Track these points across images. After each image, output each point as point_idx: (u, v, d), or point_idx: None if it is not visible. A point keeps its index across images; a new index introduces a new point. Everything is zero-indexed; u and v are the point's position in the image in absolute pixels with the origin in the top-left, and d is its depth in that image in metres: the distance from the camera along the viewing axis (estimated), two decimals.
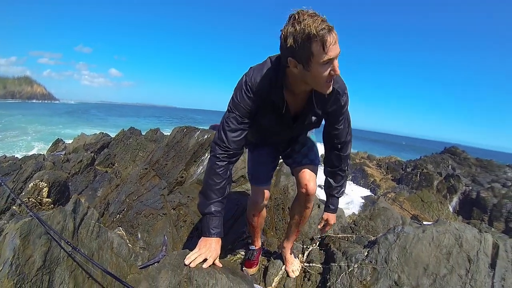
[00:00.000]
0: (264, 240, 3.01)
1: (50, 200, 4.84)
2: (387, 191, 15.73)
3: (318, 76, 1.54)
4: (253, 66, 1.82)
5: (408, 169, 19.66)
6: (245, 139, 1.86)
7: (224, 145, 1.79)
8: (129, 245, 3.10)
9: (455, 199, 14.89)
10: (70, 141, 14.51)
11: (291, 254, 2.57)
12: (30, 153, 13.92)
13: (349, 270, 2.27)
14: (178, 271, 1.56)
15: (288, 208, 3.63)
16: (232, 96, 1.80)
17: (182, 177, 4.14)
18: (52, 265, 2.26)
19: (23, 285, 1.93)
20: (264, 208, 2.42)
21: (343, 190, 2.28)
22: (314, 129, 2.25)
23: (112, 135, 13.70)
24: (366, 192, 17.31)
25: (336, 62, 1.51)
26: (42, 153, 11.79)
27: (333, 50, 1.45)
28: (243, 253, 2.70)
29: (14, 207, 4.09)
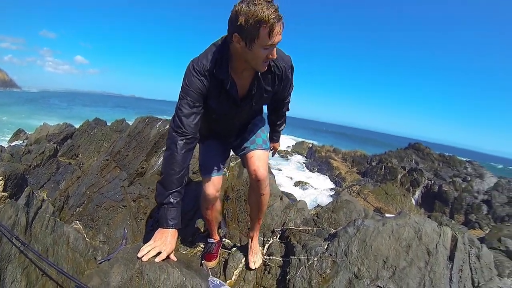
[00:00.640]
0: (226, 232, 2.99)
1: (6, 194, 4.64)
2: (352, 184, 16.13)
3: (257, 57, 1.66)
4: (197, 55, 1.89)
5: (373, 163, 20.22)
6: (199, 124, 1.88)
7: (182, 130, 1.80)
8: (87, 239, 3.00)
9: (418, 192, 15.45)
10: (32, 132, 14.02)
11: (256, 244, 2.55)
12: None
13: (309, 263, 2.28)
14: (130, 266, 1.52)
15: None
16: (182, 84, 1.84)
17: (143, 168, 4.06)
18: (2, 263, 2.16)
19: None
20: (218, 201, 2.41)
21: (283, 126, 2.59)
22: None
23: (76, 125, 13.31)
24: (331, 185, 17.67)
25: (273, 48, 1.65)
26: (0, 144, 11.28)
27: (277, 38, 1.58)
28: (203, 246, 2.66)
29: None
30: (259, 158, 2.19)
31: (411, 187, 15.79)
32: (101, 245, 3.11)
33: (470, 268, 2.23)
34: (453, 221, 11.79)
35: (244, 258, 2.55)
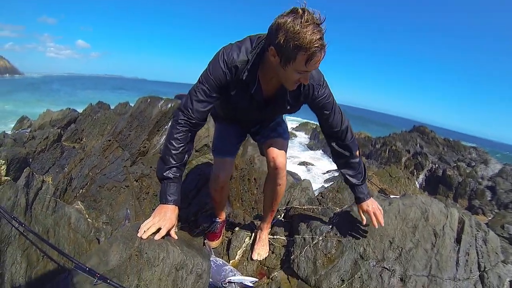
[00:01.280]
0: (229, 211, 2.96)
1: (9, 178, 4.64)
2: None
3: (288, 77, 1.57)
4: (232, 42, 1.78)
5: (377, 145, 20.16)
6: (209, 112, 1.82)
7: (188, 113, 1.75)
8: (89, 220, 2.98)
9: (422, 176, 15.42)
10: (36, 119, 14.04)
11: (266, 236, 2.49)
12: None
13: (314, 242, 2.23)
14: (129, 244, 1.48)
15: (254, 179, 3.58)
16: (206, 68, 1.75)
17: (145, 147, 4.03)
18: (2, 245, 2.14)
19: None
20: (227, 183, 2.36)
21: (365, 175, 2.11)
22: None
23: (80, 110, 13.29)
24: (335, 166, 17.73)
25: (308, 74, 1.56)
26: (3, 131, 11.31)
27: (314, 66, 1.48)
28: (206, 225, 2.61)
29: None
30: (278, 146, 2.12)
31: (415, 170, 15.77)
32: (104, 226, 3.10)
33: (477, 252, 2.15)
34: (457, 205, 11.78)
35: (248, 238, 2.51)
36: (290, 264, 2.24)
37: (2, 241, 2.13)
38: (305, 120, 33.97)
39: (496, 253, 2.18)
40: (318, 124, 2.02)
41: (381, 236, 2.13)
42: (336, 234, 2.22)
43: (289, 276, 2.23)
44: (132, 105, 11.37)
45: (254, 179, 3.74)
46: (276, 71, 1.61)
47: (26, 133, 10.89)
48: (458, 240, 2.17)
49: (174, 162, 1.75)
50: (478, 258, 2.13)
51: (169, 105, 4.31)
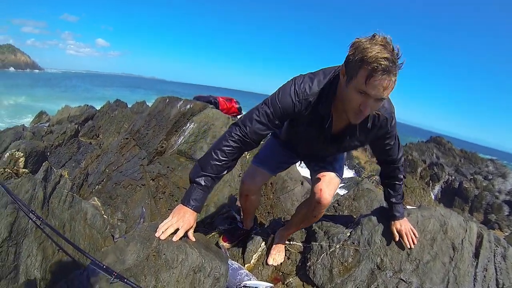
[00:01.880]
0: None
1: (27, 170, 4.70)
2: (372, 174, 15.96)
3: (349, 99, 1.47)
4: (303, 74, 1.73)
5: None
6: (265, 136, 1.78)
7: (245, 130, 1.71)
8: (105, 216, 2.99)
9: (438, 187, 15.16)
10: (54, 115, 14.28)
11: (282, 244, 2.46)
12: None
13: (331, 250, 2.20)
14: (147, 244, 1.47)
15: (271, 183, 3.55)
16: (275, 93, 1.71)
17: (162, 147, 4.03)
18: (19, 237, 2.15)
19: None
20: (256, 195, 2.33)
21: (403, 196, 2.14)
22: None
23: (97, 107, 13.48)
24: (351, 174, 17.53)
25: (370, 102, 1.42)
26: (22, 124, 11.53)
27: (375, 89, 1.36)
28: (221, 227, 2.60)
29: None
30: (329, 181, 2.04)
31: (430, 181, 15.52)
32: (119, 223, 3.11)
33: (495, 268, 2.08)
34: (473, 218, 11.56)
35: (264, 242, 2.48)
36: (305, 270, 2.21)
37: (19, 233, 2.14)
38: None
39: None
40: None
41: (399, 247, 2.09)
42: (353, 243, 2.19)
43: (304, 283, 2.20)
44: (149, 104, 11.51)
45: (271, 183, 3.70)
46: (341, 96, 1.54)
47: (45, 127, 11.07)
48: (476, 255, 2.11)
49: (211, 172, 1.71)
50: (497, 274, 2.06)
51: (188, 106, 4.29)
